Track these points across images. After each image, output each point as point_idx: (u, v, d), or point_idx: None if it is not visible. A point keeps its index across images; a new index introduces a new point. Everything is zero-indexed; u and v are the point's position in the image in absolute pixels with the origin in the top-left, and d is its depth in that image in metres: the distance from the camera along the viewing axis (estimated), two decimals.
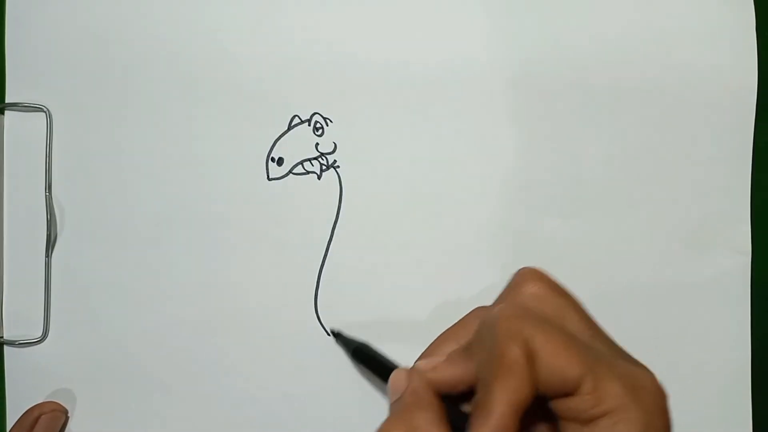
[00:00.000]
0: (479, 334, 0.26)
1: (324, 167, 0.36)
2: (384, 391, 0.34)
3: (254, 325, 0.35)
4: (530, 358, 0.23)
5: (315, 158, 0.36)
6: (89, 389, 0.35)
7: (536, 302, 0.26)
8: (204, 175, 0.36)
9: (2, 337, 0.35)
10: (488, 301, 0.36)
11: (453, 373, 0.26)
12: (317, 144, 0.36)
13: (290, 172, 0.36)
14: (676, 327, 0.36)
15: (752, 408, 0.36)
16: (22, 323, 0.35)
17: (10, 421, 0.35)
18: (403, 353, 0.36)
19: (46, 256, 0.35)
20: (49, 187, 0.35)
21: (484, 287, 0.36)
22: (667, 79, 0.36)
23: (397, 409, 0.26)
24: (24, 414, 0.34)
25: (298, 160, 0.36)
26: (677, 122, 0.36)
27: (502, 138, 0.36)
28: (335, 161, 0.36)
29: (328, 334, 0.36)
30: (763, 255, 0.37)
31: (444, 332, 0.29)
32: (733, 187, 0.37)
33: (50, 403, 0.35)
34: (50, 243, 0.35)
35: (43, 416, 0.34)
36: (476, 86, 0.36)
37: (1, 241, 0.35)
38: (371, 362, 0.32)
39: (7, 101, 0.35)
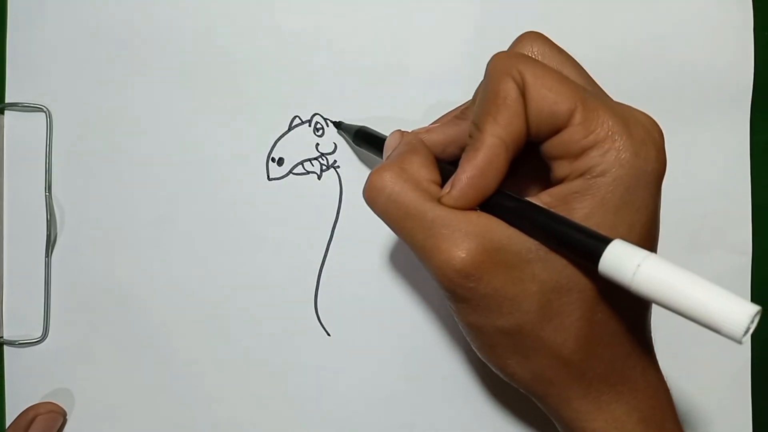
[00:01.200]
0: (475, 94, 0.26)
1: (324, 167, 0.36)
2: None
3: (254, 325, 0.35)
4: (523, 93, 0.23)
5: (315, 158, 0.36)
6: (88, 389, 0.35)
7: (536, 57, 0.25)
8: (204, 175, 0.36)
9: (2, 337, 0.35)
10: None
11: (446, 133, 0.27)
12: (317, 144, 0.36)
13: (290, 172, 0.36)
14: (676, 327, 0.36)
15: (752, 408, 0.36)
16: (22, 323, 0.35)
17: (10, 420, 0.35)
18: (403, 351, 0.36)
19: (46, 256, 0.35)
20: (49, 187, 0.35)
21: None
22: (666, 79, 0.36)
23: (389, 157, 0.26)
24: (20, 415, 0.34)
25: (299, 161, 0.36)
26: (676, 122, 0.36)
27: None
28: (335, 161, 0.36)
29: (328, 335, 0.36)
30: (763, 255, 0.37)
31: (447, 112, 0.29)
32: (733, 188, 0.37)
33: (47, 404, 0.34)
34: (50, 243, 0.35)
35: (39, 417, 0.34)
36: (476, 86, 0.36)
37: (1, 241, 0.35)
38: (372, 140, 0.33)
39: (7, 101, 0.35)
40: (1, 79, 0.35)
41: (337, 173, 0.36)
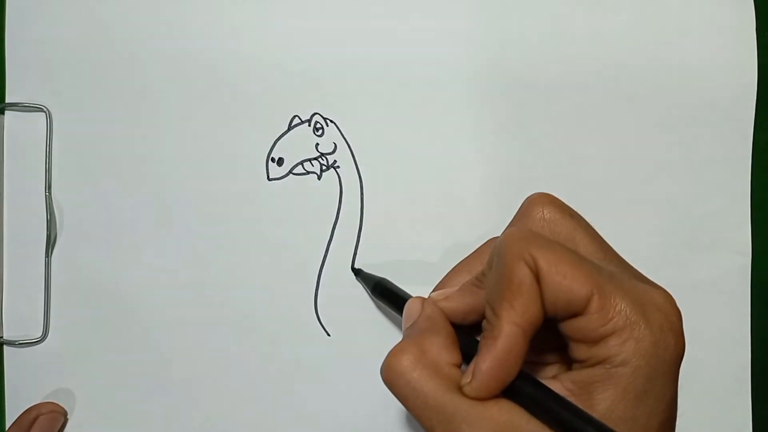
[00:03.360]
0: (490, 261, 0.25)
1: (324, 167, 0.36)
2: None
3: (254, 325, 0.35)
4: (537, 278, 0.23)
5: (315, 158, 0.36)
6: (89, 389, 0.35)
7: (546, 225, 0.25)
8: (204, 175, 0.36)
9: (2, 337, 0.35)
10: None
11: (465, 302, 0.26)
12: (317, 144, 0.36)
13: (290, 172, 0.36)
14: None
15: (752, 408, 0.36)
16: (22, 323, 0.35)
17: (10, 421, 0.35)
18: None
19: (46, 256, 0.35)
20: (49, 187, 0.35)
21: None
22: (667, 79, 0.36)
23: (410, 333, 0.26)
24: (21, 414, 0.34)
25: (298, 161, 0.36)
26: (677, 122, 0.36)
27: (502, 138, 0.36)
28: (335, 161, 0.36)
29: (328, 335, 0.36)
30: (763, 255, 0.37)
31: (458, 264, 0.29)
32: (733, 187, 0.37)
33: (49, 404, 0.34)
34: (50, 243, 0.35)
35: (41, 417, 0.34)
36: (476, 86, 0.36)
37: (1, 241, 0.35)
38: (390, 296, 0.32)
39: (7, 101, 0.35)
40: (1, 79, 0.35)
41: (337, 173, 0.36)
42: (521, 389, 0.23)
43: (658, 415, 0.22)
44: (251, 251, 0.36)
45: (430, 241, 0.36)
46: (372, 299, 0.35)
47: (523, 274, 0.23)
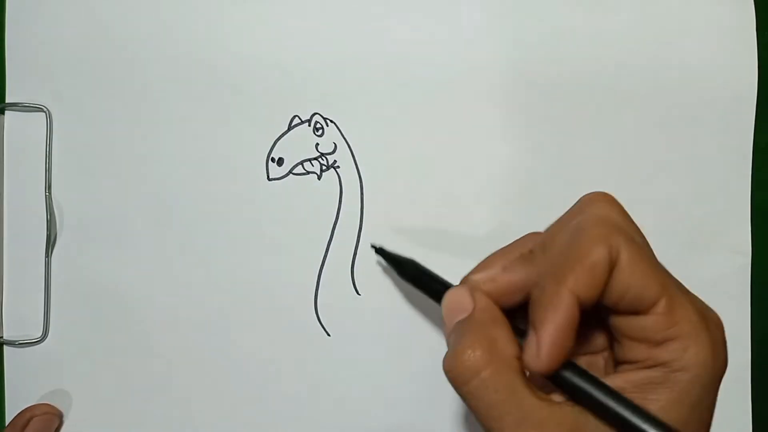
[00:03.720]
0: (550, 239, 0.25)
1: (324, 167, 0.36)
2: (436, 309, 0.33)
3: (254, 325, 0.35)
4: (612, 266, 0.23)
5: (315, 158, 0.36)
6: (89, 389, 0.35)
7: (613, 219, 0.25)
8: (204, 175, 0.36)
9: (2, 337, 0.35)
10: None
11: (512, 280, 0.25)
12: (317, 144, 0.36)
13: (290, 172, 0.36)
14: None
15: (752, 408, 0.36)
16: (22, 323, 0.35)
17: (9, 420, 0.35)
18: (402, 351, 0.36)
19: (46, 256, 0.35)
20: (49, 187, 0.35)
21: None
22: (667, 79, 0.36)
23: (469, 328, 0.24)
24: (16, 416, 0.34)
25: (298, 161, 0.36)
26: (677, 122, 0.36)
27: (503, 138, 0.36)
28: (335, 161, 0.36)
29: (328, 335, 0.36)
30: (763, 255, 0.37)
31: (495, 252, 0.27)
32: (733, 187, 0.37)
33: (43, 405, 0.34)
34: (50, 243, 0.35)
35: (35, 419, 0.34)
36: (476, 86, 0.36)
37: (1, 241, 0.35)
38: (423, 280, 0.30)
39: (7, 101, 0.35)
40: (1, 79, 0.35)
41: (337, 173, 0.36)
42: (587, 392, 0.23)
43: (705, 425, 0.23)
44: (251, 251, 0.36)
45: (430, 242, 0.36)
46: (394, 277, 0.33)
47: (601, 256, 0.22)
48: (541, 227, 0.36)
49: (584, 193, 0.36)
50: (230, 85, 0.36)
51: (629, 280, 0.23)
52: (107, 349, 0.35)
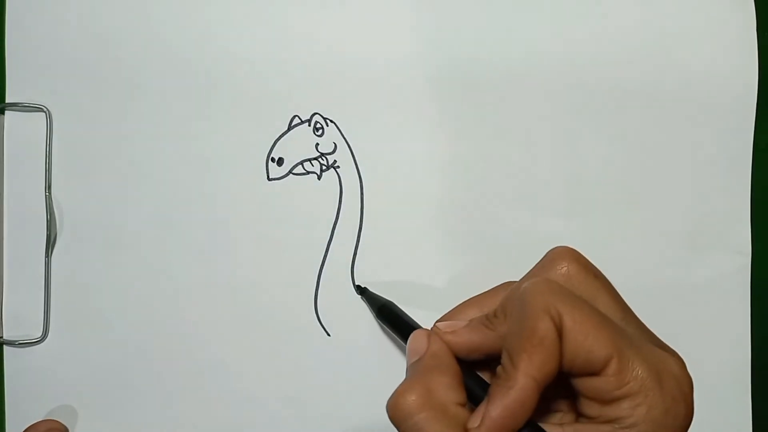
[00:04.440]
0: (507, 304, 0.25)
1: (324, 167, 0.36)
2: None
3: (254, 325, 0.35)
4: (560, 334, 0.23)
5: (315, 158, 0.36)
6: (89, 389, 0.35)
7: (568, 281, 0.25)
8: (204, 175, 0.36)
9: (2, 337, 0.35)
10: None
11: (472, 339, 0.26)
12: (317, 144, 0.36)
13: (290, 172, 0.36)
14: (676, 327, 0.36)
15: (752, 408, 0.36)
16: (22, 323, 0.35)
17: (9, 420, 0.35)
18: (401, 355, 0.36)
19: (46, 256, 0.35)
20: (49, 187, 0.35)
21: (483, 287, 0.36)
22: (667, 79, 0.36)
23: (415, 370, 0.26)
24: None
25: (298, 160, 0.36)
26: (677, 122, 0.36)
27: (502, 138, 0.36)
28: (335, 161, 0.36)
29: (328, 335, 0.36)
30: (763, 255, 0.37)
31: (468, 299, 0.29)
32: (733, 187, 0.37)
33: (48, 422, 0.34)
34: (50, 243, 0.35)
35: None
36: (476, 86, 0.36)
37: (1, 241, 0.35)
38: (395, 321, 0.32)
39: (7, 101, 0.35)
40: (1, 79, 0.35)
41: (337, 173, 0.36)
42: None
43: None
44: (251, 251, 0.36)
45: (430, 242, 0.36)
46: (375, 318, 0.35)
47: (547, 328, 0.23)
48: (541, 227, 0.36)
49: (584, 193, 0.36)
50: (230, 85, 0.36)
51: (576, 346, 0.23)
52: (107, 349, 0.35)
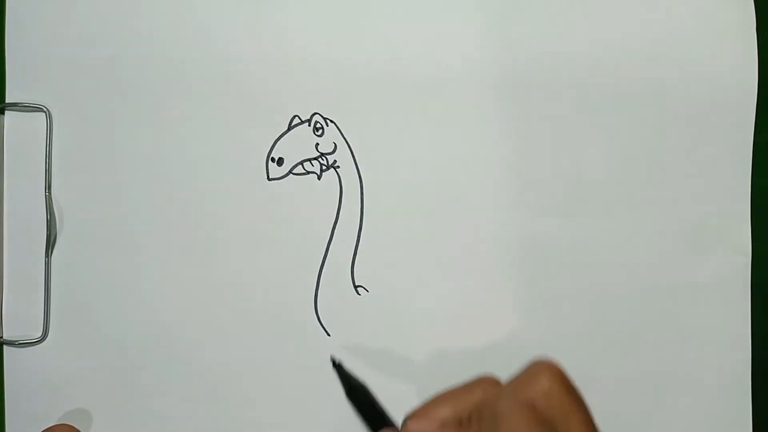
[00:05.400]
0: (483, 414, 0.26)
1: (324, 167, 0.36)
2: None
3: (254, 325, 0.35)
4: None
5: (315, 158, 0.36)
6: (89, 389, 0.35)
7: (545, 399, 0.25)
8: (204, 175, 0.36)
9: (2, 337, 0.35)
10: (484, 303, 0.36)
11: None
12: (317, 144, 0.36)
13: (290, 172, 0.36)
14: (676, 327, 0.36)
15: (752, 408, 0.36)
16: (22, 323, 0.35)
17: (9, 420, 0.35)
18: (403, 352, 0.36)
19: (46, 256, 0.35)
20: (49, 187, 0.35)
21: (484, 287, 0.36)
22: (667, 79, 0.36)
23: None
24: None
25: (298, 160, 0.36)
26: (677, 122, 0.36)
27: (503, 138, 0.36)
28: (335, 161, 0.36)
29: (328, 335, 0.36)
30: (763, 255, 0.37)
31: (442, 393, 0.28)
32: (733, 187, 0.37)
33: (61, 427, 0.34)
34: (50, 243, 0.35)
35: None
36: (476, 86, 0.36)
37: (1, 241, 0.35)
38: (365, 406, 0.31)
39: (7, 101, 0.35)
40: (1, 79, 0.35)
41: (337, 173, 0.36)
42: None
43: None
44: (251, 251, 0.36)
45: (430, 242, 0.36)
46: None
47: None
48: (541, 227, 0.36)
49: (584, 193, 0.36)
50: (230, 85, 0.36)
51: None
52: (107, 349, 0.35)
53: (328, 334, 0.36)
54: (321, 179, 0.36)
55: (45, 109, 0.35)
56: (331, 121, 0.36)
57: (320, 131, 0.36)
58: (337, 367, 0.32)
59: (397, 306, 0.36)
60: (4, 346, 0.35)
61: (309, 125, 0.36)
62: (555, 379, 0.26)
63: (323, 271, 0.36)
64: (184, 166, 0.36)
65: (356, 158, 0.36)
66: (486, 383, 0.27)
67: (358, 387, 0.31)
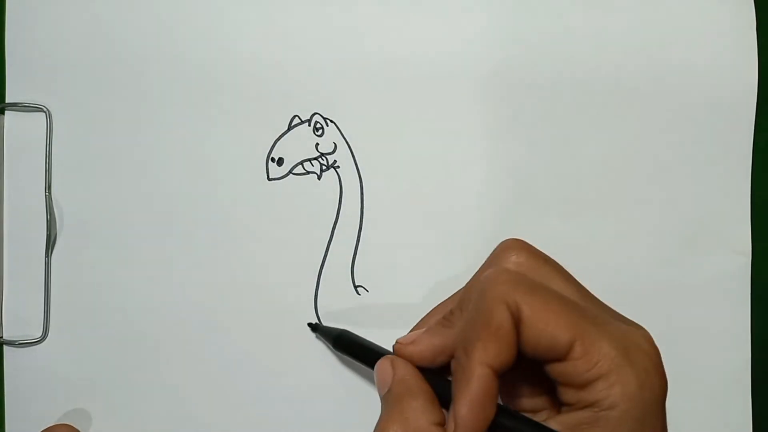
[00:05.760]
0: (464, 298, 0.25)
1: (324, 167, 0.36)
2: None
3: (254, 325, 0.35)
4: (517, 323, 0.23)
5: (315, 158, 0.36)
6: (89, 389, 0.35)
7: (520, 269, 0.25)
8: (204, 175, 0.36)
9: (2, 337, 0.35)
10: None
11: (433, 342, 0.26)
12: (317, 144, 0.36)
13: (290, 172, 0.36)
14: (676, 327, 0.36)
15: (752, 408, 0.36)
16: (22, 323, 0.35)
17: (9, 420, 0.35)
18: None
19: (46, 256, 0.35)
20: (49, 187, 0.35)
21: None
22: (667, 79, 0.36)
23: (388, 402, 0.26)
24: None
25: (298, 161, 0.36)
26: (677, 122, 0.36)
27: (503, 138, 0.36)
28: (335, 161, 0.36)
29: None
30: (763, 255, 0.37)
31: (434, 307, 0.29)
32: (733, 187, 0.37)
33: (61, 427, 0.34)
34: (50, 243, 0.35)
35: None
36: (476, 86, 0.36)
37: (1, 241, 0.35)
38: (355, 348, 0.32)
39: (7, 101, 0.35)
40: (1, 79, 0.35)
41: (337, 173, 0.36)
42: (506, 425, 0.24)
43: None
44: (251, 251, 0.36)
45: (430, 242, 0.36)
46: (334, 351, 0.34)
47: (503, 317, 0.23)
48: (541, 227, 0.36)
49: (584, 193, 0.36)
50: (230, 85, 0.36)
51: (536, 333, 0.23)
52: (107, 349, 0.35)
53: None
54: (321, 179, 0.36)
55: (45, 109, 0.35)
56: (331, 121, 0.36)
57: (320, 131, 0.36)
58: (315, 326, 0.34)
59: (397, 306, 0.36)
60: (4, 346, 0.35)
61: (309, 125, 0.36)
62: (524, 250, 0.26)
63: (323, 271, 0.36)
64: (184, 166, 0.36)
65: (356, 158, 0.36)
66: (471, 284, 0.27)
67: (340, 333, 0.33)
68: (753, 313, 0.36)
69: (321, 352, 0.36)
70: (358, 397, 0.35)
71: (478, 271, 0.27)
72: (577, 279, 0.26)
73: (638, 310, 0.36)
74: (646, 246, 0.36)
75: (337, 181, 0.36)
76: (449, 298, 0.29)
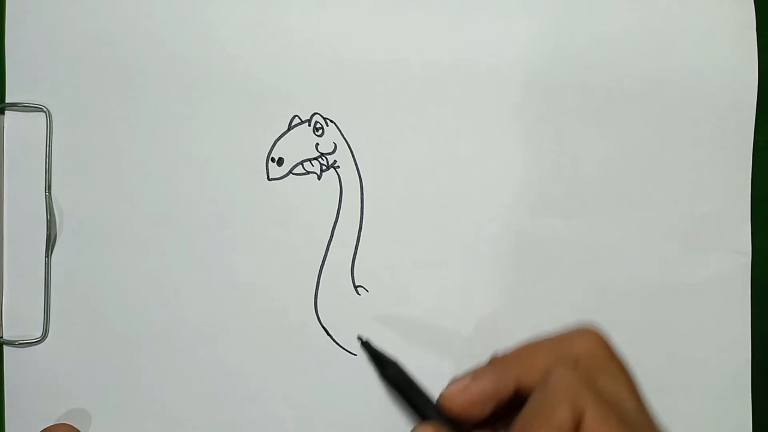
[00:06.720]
0: (528, 353, 0.26)
1: (324, 167, 0.36)
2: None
3: (254, 325, 0.35)
4: (576, 427, 0.23)
5: (315, 158, 0.36)
6: (89, 389, 0.35)
7: (589, 359, 0.26)
8: (204, 175, 0.36)
9: (2, 337, 0.35)
10: (484, 302, 0.36)
11: (484, 390, 0.27)
12: (317, 144, 0.36)
13: (290, 172, 0.36)
14: (676, 327, 0.36)
15: (752, 408, 0.36)
16: (22, 323, 0.35)
17: (9, 420, 0.35)
18: (403, 352, 0.36)
19: (46, 256, 0.35)
20: (49, 187, 0.35)
21: (484, 287, 0.36)
22: (667, 79, 0.36)
23: None
24: None
25: (298, 161, 0.36)
26: (677, 122, 0.36)
27: (503, 138, 0.36)
28: (335, 161, 0.36)
29: (328, 334, 0.36)
30: (763, 255, 0.37)
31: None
32: (733, 187, 0.37)
33: (61, 426, 0.34)
34: (50, 243, 0.35)
35: None
36: (476, 86, 0.36)
37: (1, 241, 0.35)
38: (400, 381, 0.32)
39: (7, 101, 0.35)
40: (1, 79, 0.35)
41: (337, 173, 0.36)
42: None
43: None
44: (251, 251, 0.36)
45: (430, 242, 0.36)
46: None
47: (565, 417, 0.23)
48: (541, 227, 0.36)
49: (584, 193, 0.36)
50: (230, 85, 0.36)
51: None
52: (107, 349, 0.35)
53: (329, 334, 0.36)
54: (321, 179, 0.36)
55: (45, 109, 0.35)
56: (331, 121, 0.36)
57: (320, 131, 0.36)
58: (365, 344, 0.33)
59: (397, 306, 0.36)
60: (4, 346, 0.35)
61: (309, 125, 0.36)
62: (597, 344, 0.26)
63: (323, 271, 0.36)
64: (184, 166, 0.36)
65: (356, 158, 0.36)
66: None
67: (389, 363, 0.33)
68: (753, 313, 0.36)
69: (321, 352, 0.36)
70: (358, 397, 0.35)
71: (543, 341, 0.27)
72: (635, 379, 0.26)
73: (638, 310, 0.36)
74: (646, 246, 0.36)
75: (337, 181, 0.36)
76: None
